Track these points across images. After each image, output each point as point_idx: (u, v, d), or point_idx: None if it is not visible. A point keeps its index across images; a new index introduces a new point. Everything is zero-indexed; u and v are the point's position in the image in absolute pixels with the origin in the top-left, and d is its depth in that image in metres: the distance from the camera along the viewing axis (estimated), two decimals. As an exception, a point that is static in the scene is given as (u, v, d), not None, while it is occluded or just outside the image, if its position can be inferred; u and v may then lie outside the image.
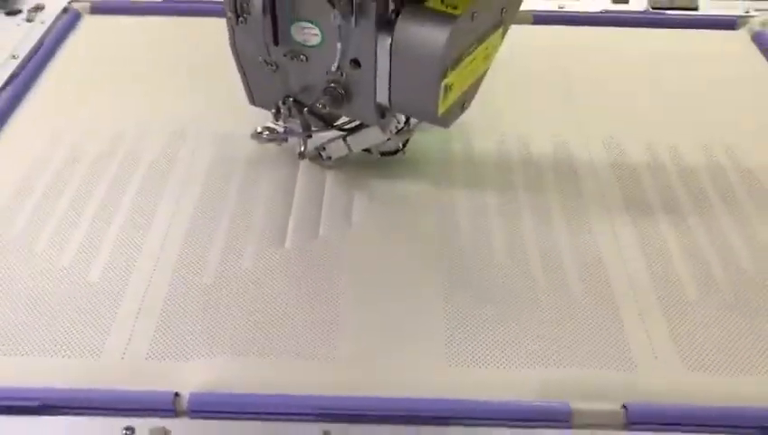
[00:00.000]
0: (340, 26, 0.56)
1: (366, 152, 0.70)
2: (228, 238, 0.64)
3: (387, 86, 0.59)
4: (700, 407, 0.51)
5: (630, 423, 0.50)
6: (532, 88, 0.83)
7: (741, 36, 0.93)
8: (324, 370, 0.54)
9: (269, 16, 0.58)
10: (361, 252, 0.63)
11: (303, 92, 0.63)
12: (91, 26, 0.93)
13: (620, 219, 0.66)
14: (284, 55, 0.61)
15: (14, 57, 0.85)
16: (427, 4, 0.55)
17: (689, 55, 0.89)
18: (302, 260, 0.62)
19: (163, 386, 0.52)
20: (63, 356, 0.54)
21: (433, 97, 0.57)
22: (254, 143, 0.70)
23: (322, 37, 0.59)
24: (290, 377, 0.53)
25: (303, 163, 0.71)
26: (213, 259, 0.62)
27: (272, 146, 0.72)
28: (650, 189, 0.70)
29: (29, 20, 0.92)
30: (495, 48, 0.62)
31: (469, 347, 0.55)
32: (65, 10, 0.94)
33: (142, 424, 0.49)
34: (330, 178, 0.71)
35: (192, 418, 0.51)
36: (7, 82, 0.81)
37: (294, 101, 0.64)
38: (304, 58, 0.60)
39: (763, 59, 0.88)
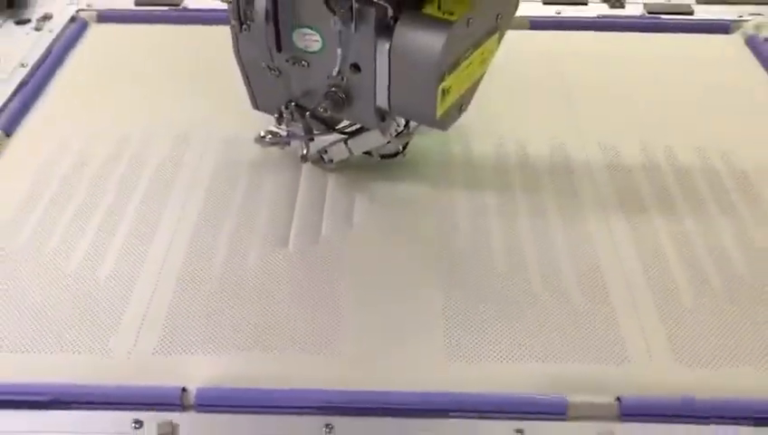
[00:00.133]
0: (340, 32, 0.57)
1: (367, 155, 0.71)
2: (233, 240, 0.65)
3: (386, 90, 0.59)
4: (693, 399, 0.52)
5: (624, 415, 0.52)
6: (529, 92, 0.84)
7: (735, 40, 0.94)
8: (328, 365, 0.55)
9: (272, 23, 0.59)
10: (362, 253, 0.64)
11: (305, 97, 0.64)
12: (98, 35, 0.95)
13: (616, 219, 0.67)
14: (287, 61, 0.62)
15: (23, 65, 0.86)
16: (424, 10, 0.56)
17: (684, 59, 0.90)
18: (305, 261, 0.63)
19: (170, 382, 0.53)
20: (73, 353, 0.55)
21: (431, 100, 0.57)
22: (257, 147, 0.71)
23: (323, 43, 0.59)
24: (294, 372, 0.54)
25: (306, 166, 0.72)
26: (218, 260, 0.63)
27: (275, 150, 0.73)
28: (646, 191, 0.71)
29: (37, 29, 0.93)
30: (492, 52, 0.64)
31: (468, 344, 0.56)
32: (73, 19, 0.96)
33: (151, 418, 0.51)
34: (331, 180, 0.72)
35: (199, 412, 0.52)
36: (17, 90, 0.82)
37: (296, 105, 0.65)
38: (306, 63, 0.61)
39: (757, 62, 0.89)
